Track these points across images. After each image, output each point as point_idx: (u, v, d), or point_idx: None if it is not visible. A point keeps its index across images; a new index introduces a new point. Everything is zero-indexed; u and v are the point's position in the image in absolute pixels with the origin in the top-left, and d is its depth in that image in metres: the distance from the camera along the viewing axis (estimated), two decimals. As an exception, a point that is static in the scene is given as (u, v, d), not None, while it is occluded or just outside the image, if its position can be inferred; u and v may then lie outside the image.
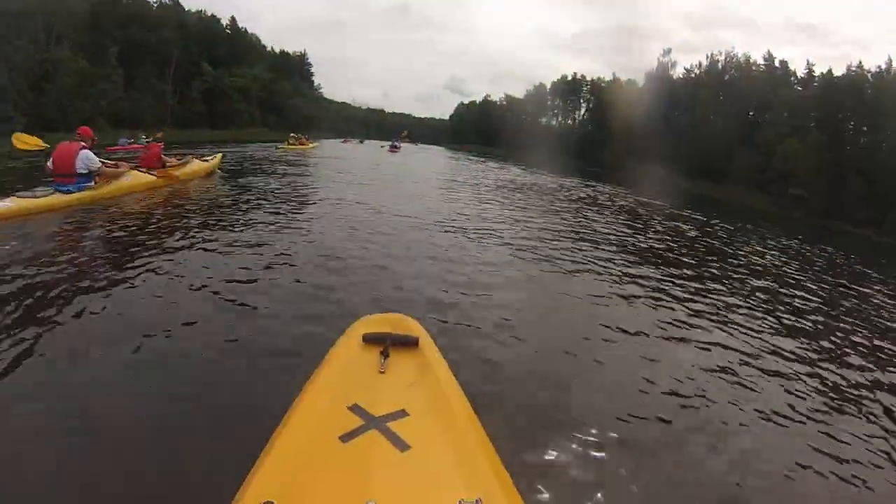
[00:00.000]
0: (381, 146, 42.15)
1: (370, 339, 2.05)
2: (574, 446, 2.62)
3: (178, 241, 5.75)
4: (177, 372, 3.02)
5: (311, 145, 32.48)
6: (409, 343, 2.04)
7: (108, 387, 2.82)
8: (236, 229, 6.64)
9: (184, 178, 10.40)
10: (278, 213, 8.01)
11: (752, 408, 3.38)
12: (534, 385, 3.20)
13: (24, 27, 29.70)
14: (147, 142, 24.23)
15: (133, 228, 6.21)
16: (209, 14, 53.02)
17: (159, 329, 3.46)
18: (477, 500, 1.24)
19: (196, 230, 6.37)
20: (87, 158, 7.17)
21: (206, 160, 12.08)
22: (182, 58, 44.96)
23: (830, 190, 28.05)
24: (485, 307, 4.45)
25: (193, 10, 51.62)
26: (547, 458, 2.52)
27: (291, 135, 31.84)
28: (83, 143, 7.26)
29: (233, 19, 55.93)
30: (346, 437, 1.48)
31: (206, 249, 5.51)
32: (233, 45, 53.23)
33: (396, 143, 40.28)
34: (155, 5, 46.54)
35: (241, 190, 10.49)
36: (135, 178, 8.59)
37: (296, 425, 1.63)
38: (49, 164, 7.09)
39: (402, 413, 1.59)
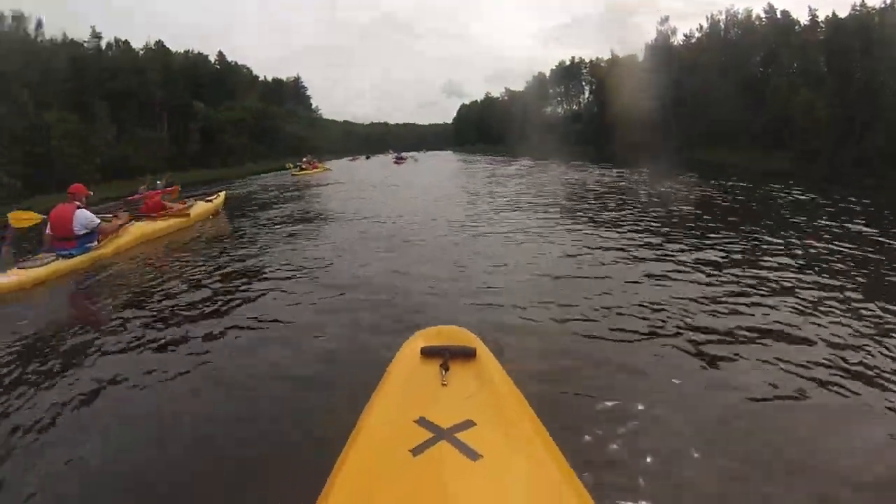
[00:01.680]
0: (389, 157, 42.24)
1: (429, 353, 2.10)
2: (643, 453, 2.55)
3: (200, 285, 5.84)
4: (240, 396, 3.24)
5: (322, 168, 32.85)
6: (467, 354, 2.07)
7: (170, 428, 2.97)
8: (262, 261, 6.88)
9: (190, 224, 10.28)
10: (301, 240, 8.13)
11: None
12: (593, 390, 3.15)
13: (5, 91, 30.03)
14: (163, 187, 24.93)
15: (150, 283, 6.17)
16: (196, 52, 53.38)
17: (212, 364, 3.71)
18: None
19: (217, 270, 6.53)
20: (84, 218, 7.08)
21: (210, 200, 11.98)
22: (171, 100, 45.29)
23: (849, 141, 26.69)
24: (533, 313, 4.48)
25: (181, 50, 52.16)
26: (614, 463, 2.47)
27: (303, 159, 32.40)
28: (77, 203, 7.16)
29: (220, 54, 56.31)
30: (417, 450, 1.49)
31: (233, 286, 5.69)
32: (222, 79, 53.60)
33: (401, 156, 40.68)
34: (141, 52, 46.86)
35: (254, 224, 10.61)
36: (138, 230, 8.48)
37: (365, 440, 1.68)
38: (47, 230, 7.01)
39: (469, 423, 1.60)
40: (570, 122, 64.76)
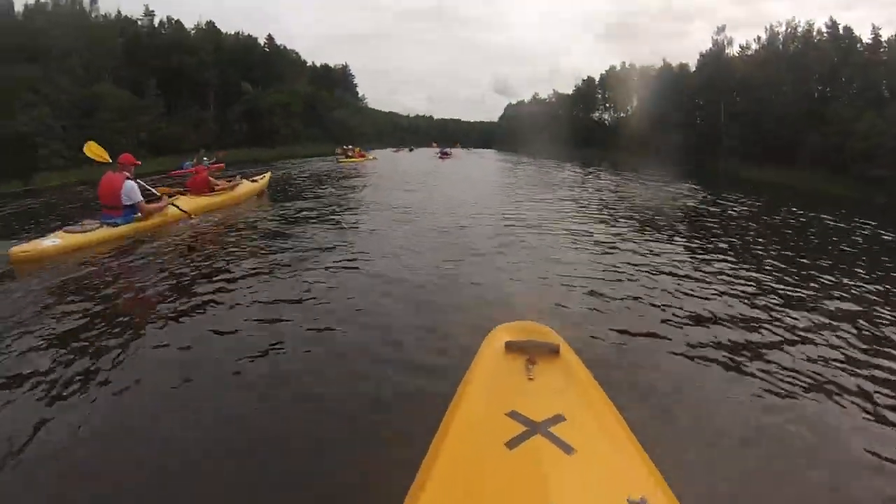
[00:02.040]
0: (435, 153, 42.44)
1: (513, 347, 2.12)
2: (717, 447, 2.70)
3: (251, 266, 5.90)
4: (324, 389, 3.22)
5: (369, 157, 33.30)
6: (552, 351, 2.08)
7: (246, 407, 3.04)
8: (311, 247, 6.83)
9: (235, 202, 10.54)
10: (349, 228, 8.16)
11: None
12: (669, 388, 3.30)
13: (63, 66, 30.92)
14: (209, 163, 25.56)
15: (191, 258, 6.34)
16: (246, 34, 53.83)
17: (293, 348, 3.76)
18: (641, 499, 1.28)
19: (267, 254, 6.54)
20: (131, 190, 7.32)
21: (255, 180, 12.20)
22: (221, 80, 45.89)
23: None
24: (610, 310, 4.63)
25: (231, 32, 52.71)
26: (692, 458, 2.56)
27: (349, 147, 32.72)
28: (127, 174, 7.38)
29: (270, 38, 56.85)
30: (512, 444, 1.52)
31: (287, 273, 5.62)
32: (271, 63, 54.02)
33: (447, 150, 40.26)
34: (192, 31, 47.54)
35: (301, 209, 10.50)
36: (185, 204, 8.70)
37: (458, 433, 1.69)
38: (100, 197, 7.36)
39: (560, 418, 1.62)
40: (617, 129, 63.56)
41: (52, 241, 6.31)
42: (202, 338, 3.93)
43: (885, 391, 3.47)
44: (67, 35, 32.05)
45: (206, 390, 3.24)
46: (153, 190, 8.52)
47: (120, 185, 7.24)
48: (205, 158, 26.02)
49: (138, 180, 7.77)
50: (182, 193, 9.19)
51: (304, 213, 9.89)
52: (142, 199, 7.56)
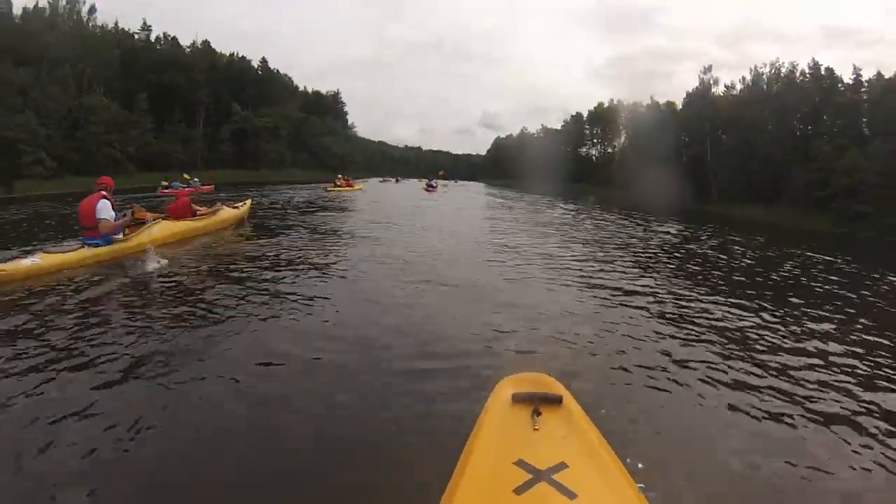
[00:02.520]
0: (420, 185, 41.87)
1: (519, 399, 2.19)
2: (718, 494, 2.73)
3: (230, 297, 5.58)
4: (332, 433, 3.15)
5: (357, 187, 33.15)
6: (554, 401, 2.16)
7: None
8: (297, 285, 6.38)
9: (216, 228, 10.28)
10: (328, 264, 7.78)
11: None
12: (669, 433, 3.33)
13: (55, 75, 30.91)
14: (200, 185, 26.36)
15: (168, 282, 6.23)
16: (240, 56, 54.36)
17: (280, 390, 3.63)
18: None
19: (249, 285, 6.21)
20: (102, 210, 7.16)
21: (237, 207, 11.84)
22: (212, 99, 46.10)
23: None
24: (609, 356, 4.61)
25: (227, 52, 53.20)
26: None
27: (339, 176, 32.76)
28: (103, 193, 7.27)
29: (264, 60, 57.33)
30: (520, 490, 1.59)
31: (266, 311, 5.24)
32: (264, 85, 54.55)
33: (433, 183, 40.20)
34: (188, 49, 47.86)
35: (282, 238, 10.18)
36: (165, 229, 8.56)
37: (468, 481, 1.75)
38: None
39: (563, 465, 1.70)
40: (605, 165, 64.40)
41: (32, 261, 6.24)
42: (175, 368, 3.74)
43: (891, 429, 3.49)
44: (63, 42, 32.10)
45: (185, 427, 3.08)
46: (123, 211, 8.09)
47: (95, 205, 7.16)
48: (195, 180, 26.72)
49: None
50: (164, 218, 8.90)
51: (286, 246, 9.32)
52: (109, 217, 7.25)
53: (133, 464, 2.65)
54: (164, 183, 24.08)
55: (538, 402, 2.14)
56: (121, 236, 7.47)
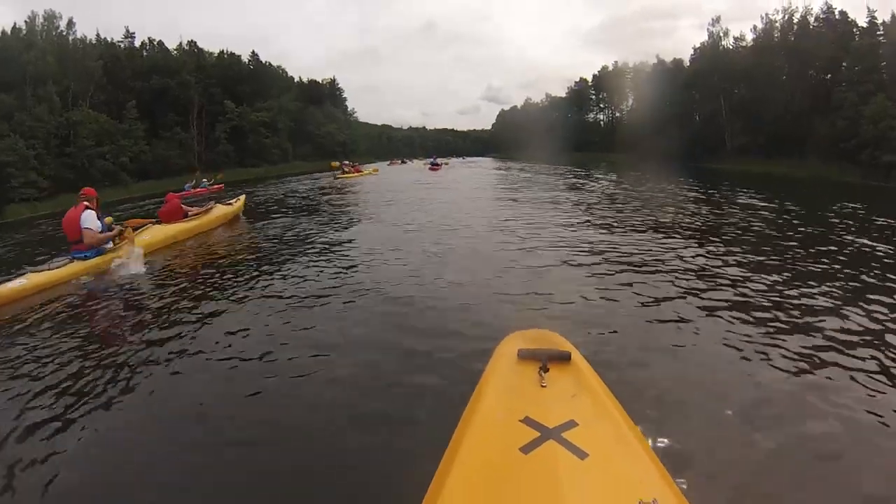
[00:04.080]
0: (424, 164, 41.12)
1: (526, 355, 2.16)
2: (729, 451, 2.69)
3: (232, 294, 5.73)
4: (337, 395, 3.30)
5: (367, 171, 33.38)
6: (563, 358, 2.13)
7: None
8: (302, 270, 6.67)
9: (209, 227, 10.31)
10: (331, 249, 7.93)
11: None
12: (679, 392, 3.30)
13: (40, 94, 30.59)
14: (210, 185, 26.08)
15: (163, 289, 6.21)
16: (229, 52, 53.12)
17: (300, 362, 3.76)
18: (653, 501, 1.32)
19: (248, 278, 6.39)
20: (86, 220, 7.10)
21: (230, 204, 11.95)
22: (205, 100, 45.15)
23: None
24: (619, 315, 4.64)
25: (215, 51, 52.06)
26: (703, 461, 2.56)
27: (346, 163, 33.51)
28: (87, 204, 7.20)
29: (254, 54, 56.03)
30: (527, 449, 1.57)
31: (271, 296, 5.51)
32: (256, 79, 53.36)
33: (436, 161, 39.55)
34: (175, 52, 46.77)
35: (284, 230, 10.40)
36: (158, 233, 8.60)
37: (473, 439, 1.73)
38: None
39: (572, 423, 1.66)
40: (613, 129, 62.80)
41: (19, 283, 6.18)
42: (172, 376, 3.76)
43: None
44: (43, 60, 31.45)
45: (183, 433, 3.07)
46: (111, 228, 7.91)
47: (79, 218, 7.09)
48: (204, 180, 26.79)
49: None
50: (155, 223, 8.99)
51: (287, 234, 9.73)
52: (94, 227, 7.22)
53: (130, 476, 2.67)
54: (172, 191, 23.65)
55: (546, 359, 2.10)
56: (111, 245, 7.41)
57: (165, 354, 4.08)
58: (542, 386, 1.94)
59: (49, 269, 6.61)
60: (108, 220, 7.78)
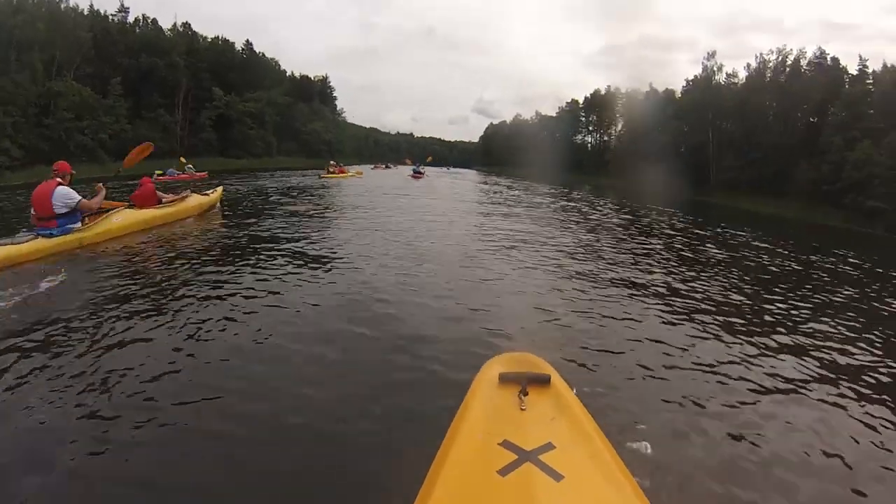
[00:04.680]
0: (408, 174, 40.56)
1: (507, 379, 2.17)
2: (705, 476, 2.71)
3: (193, 287, 5.41)
4: (313, 415, 3.13)
5: (351, 173, 32.81)
6: (542, 381, 2.14)
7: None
8: (266, 271, 6.33)
9: (183, 216, 10.01)
10: (307, 256, 7.52)
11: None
12: (658, 414, 3.32)
13: (24, 60, 29.79)
14: (194, 171, 26.39)
15: (131, 272, 5.90)
16: (223, 38, 52.51)
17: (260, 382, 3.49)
18: None
19: (218, 273, 6.08)
20: (63, 195, 6.83)
21: (207, 194, 11.57)
22: (193, 84, 44.50)
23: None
24: (599, 338, 4.66)
25: (209, 37, 51.38)
26: (679, 484, 2.61)
27: (331, 163, 32.54)
28: (59, 180, 6.90)
29: (248, 43, 55.40)
30: (504, 471, 1.58)
31: (237, 295, 5.23)
32: (248, 69, 52.93)
33: (419, 170, 39.29)
34: (169, 32, 46.05)
35: (258, 227, 9.97)
36: (129, 217, 8.26)
37: (453, 461, 1.74)
38: (32, 209, 6.84)
39: (550, 446, 1.68)
40: (601, 153, 63.26)
41: None
42: (129, 362, 3.53)
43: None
44: (32, 26, 30.63)
45: (151, 425, 2.87)
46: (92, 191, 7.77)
47: (51, 193, 6.74)
48: (189, 166, 26.23)
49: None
50: (128, 206, 8.58)
51: (263, 231, 9.42)
52: (79, 198, 6.98)
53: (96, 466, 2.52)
54: (158, 172, 23.48)
55: (526, 382, 2.12)
56: (79, 225, 7.09)
57: (124, 342, 3.85)
58: (522, 409, 1.98)
59: (13, 244, 6.23)
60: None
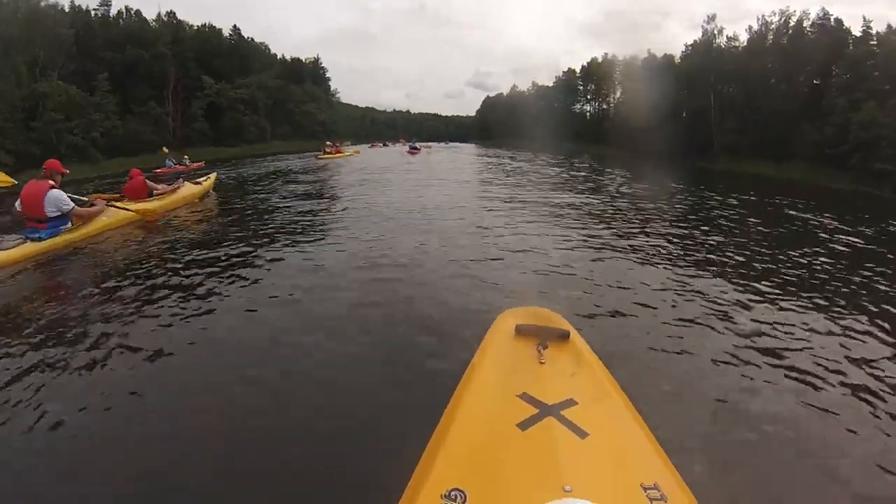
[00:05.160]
0: (405, 151, 40.09)
1: (524, 331, 2.15)
2: (727, 435, 2.71)
3: (187, 271, 5.55)
4: (325, 367, 3.26)
5: (348, 153, 32.80)
6: (562, 336, 2.12)
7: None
8: (254, 244, 6.63)
9: (176, 206, 9.90)
10: (294, 225, 7.92)
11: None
12: (678, 375, 3.33)
13: (6, 63, 29.27)
14: (191, 162, 27.18)
15: (126, 270, 5.76)
16: (210, 25, 51.57)
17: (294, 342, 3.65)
18: (654, 484, 1.33)
19: (208, 265, 5.93)
20: (57, 200, 6.70)
21: (199, 182, 11.53)
22: (181, 74, 43.87)
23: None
24: (615, 299, 4.63)
25: (196, 25, 50.50)
26: (702, 444, 2.57)
27: (328, 143, 32.73)
28: (52, 182, 6.77)
29: (235, 28, 54.68)
30: (524, 425, 1.54)
31: (238, 281, 5.25)
32: (237, 55, 52.15)
33: (416, 145, 38.98)
34: (153, 23, 45.20)
35: (247, 211, 10.23)
36: (117, 213, 8.08)
37: (468, 414, 1.71)
38: (17, 205, 6.68)
39: (572, 402, 1.64)
40: (600, 121, 62.51)
41: None
42: (130, 363, 3.48)
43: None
44: (9, 25, 29.83)
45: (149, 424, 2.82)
46: (83, 199, 7.71)
47: (43, 195, 6.59)
48: (186, 157, 26.27)
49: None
50: (118, 200, 8.55)
51: (256, 216, 9.52)
52: (73, 205, 6.95)
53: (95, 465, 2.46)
54: (169, 161, 25.94)
55: (545, 337, 2.07)
56: (69, 225, 6.97)
57: (121, 347, 3.76)
58: (541, 363, 1.93)
59: (2, 249, 6.10)
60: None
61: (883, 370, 3.57)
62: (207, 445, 2.61)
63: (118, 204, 8.19)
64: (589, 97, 69.97)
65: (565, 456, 1.41)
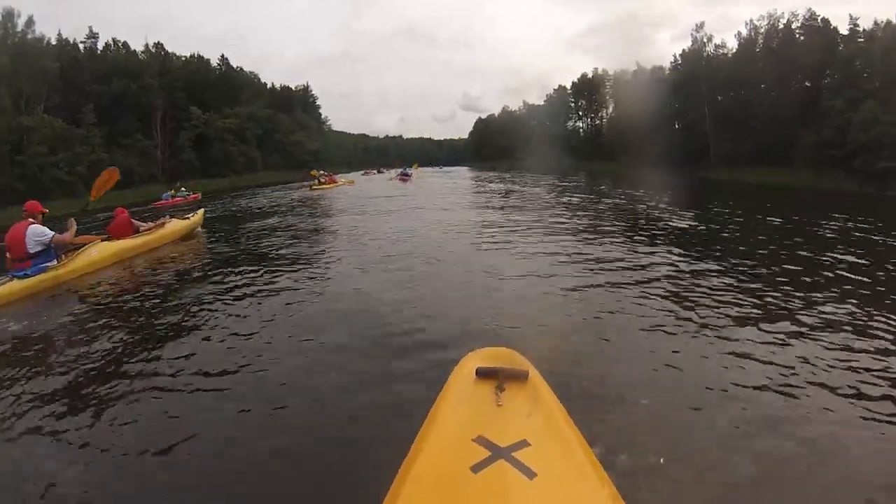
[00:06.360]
0: (390, 178, 39.83)
1: (483, 374, 2.15)
2: (683, 473, 2.65)
3: (172, 309, 5.54)
4: (297, 411, 3.27)
5: (342, 182, 32.60)
6: (520, 377, 2.11)
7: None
8: (245, 284, 6.48)
9: (162, 243, 9.85)
10: (281, 269, 7.57)
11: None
12: (636, 411, 3.22)
13: None
14: (187, 194, 27.18)
15: (111, 307, 5.81)
16: (198, 56, 51.70)
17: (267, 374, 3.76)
18: None
19: (192, 301, 5.87)
20: (35, 233, 6.81)
21: (187, 218, 11.32)
22: (169, 105, 43.73)
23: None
24: (580, 332, 4.60)
25: (184, 55, 50.66)
26: (656, 483, 2.55)
27: (321, 172, 32.52)
28: (31, 220, 6.90)
29: (223, 58, 54.75)
30: (477, 468, 1.56)
31: (226, 313, 5.28)
32: (226, 85, 52.26)
33: (407, 172, 39.02)
34: (141, 54, 45.22)
35: (241, 246, 10.03)
36: (105, 249, 8.13)
37: (426, 456, 1.74)
38: (6, 252, 6.82)
39: (525, 443, 1.67)
40: (593, 137, 62.60)
41: None
42: (115, 406, 3.38)
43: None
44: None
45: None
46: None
47: (24, 233, 6.72)
48: (183, 189, 26.31)
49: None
50: (105, 239, 8.47)
51: (241, 253, 9.26)
52: (52, 233, 6.95)
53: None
54: (171, 192, 26.58)
55: (503, 378, 2.09)
56: (55, 263, 7.03)
57: (106, 378, 3.80)
58: (499, 405, 1.94)
59: None
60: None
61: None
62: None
63: (98, 248, 8.05)
64: (581, 113, 70.61)
65: (513, 497, 1.44)
